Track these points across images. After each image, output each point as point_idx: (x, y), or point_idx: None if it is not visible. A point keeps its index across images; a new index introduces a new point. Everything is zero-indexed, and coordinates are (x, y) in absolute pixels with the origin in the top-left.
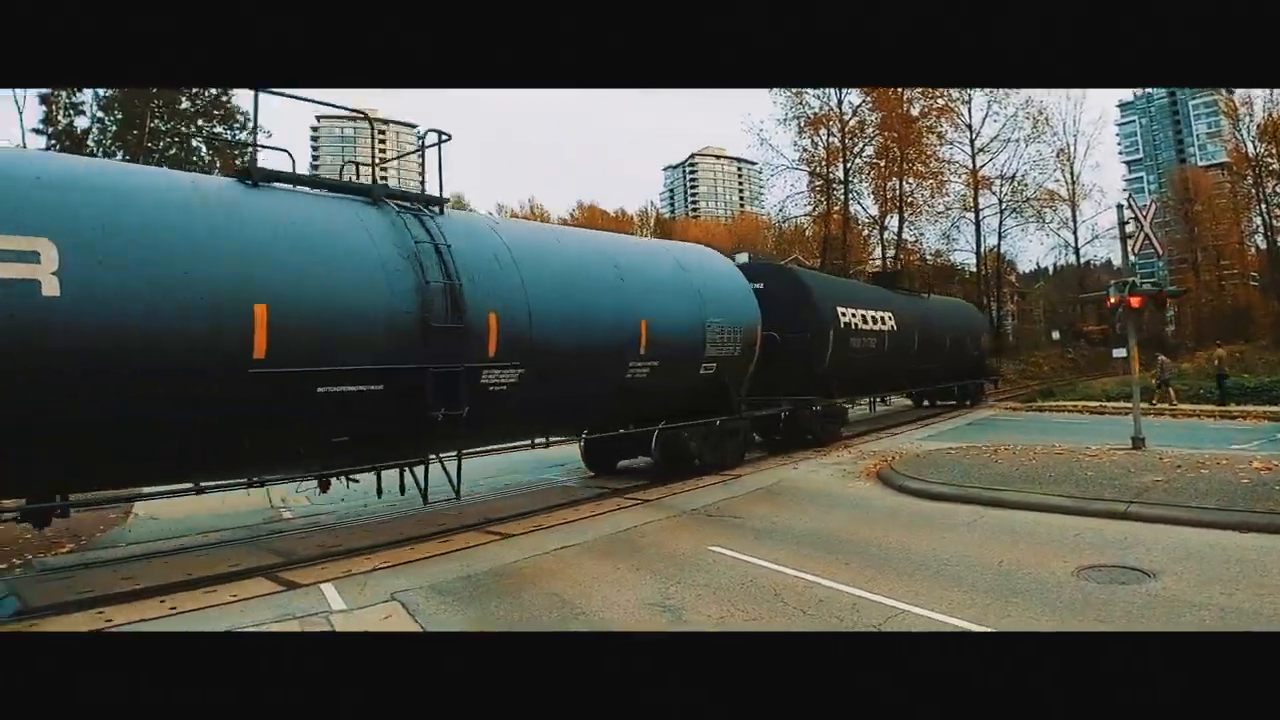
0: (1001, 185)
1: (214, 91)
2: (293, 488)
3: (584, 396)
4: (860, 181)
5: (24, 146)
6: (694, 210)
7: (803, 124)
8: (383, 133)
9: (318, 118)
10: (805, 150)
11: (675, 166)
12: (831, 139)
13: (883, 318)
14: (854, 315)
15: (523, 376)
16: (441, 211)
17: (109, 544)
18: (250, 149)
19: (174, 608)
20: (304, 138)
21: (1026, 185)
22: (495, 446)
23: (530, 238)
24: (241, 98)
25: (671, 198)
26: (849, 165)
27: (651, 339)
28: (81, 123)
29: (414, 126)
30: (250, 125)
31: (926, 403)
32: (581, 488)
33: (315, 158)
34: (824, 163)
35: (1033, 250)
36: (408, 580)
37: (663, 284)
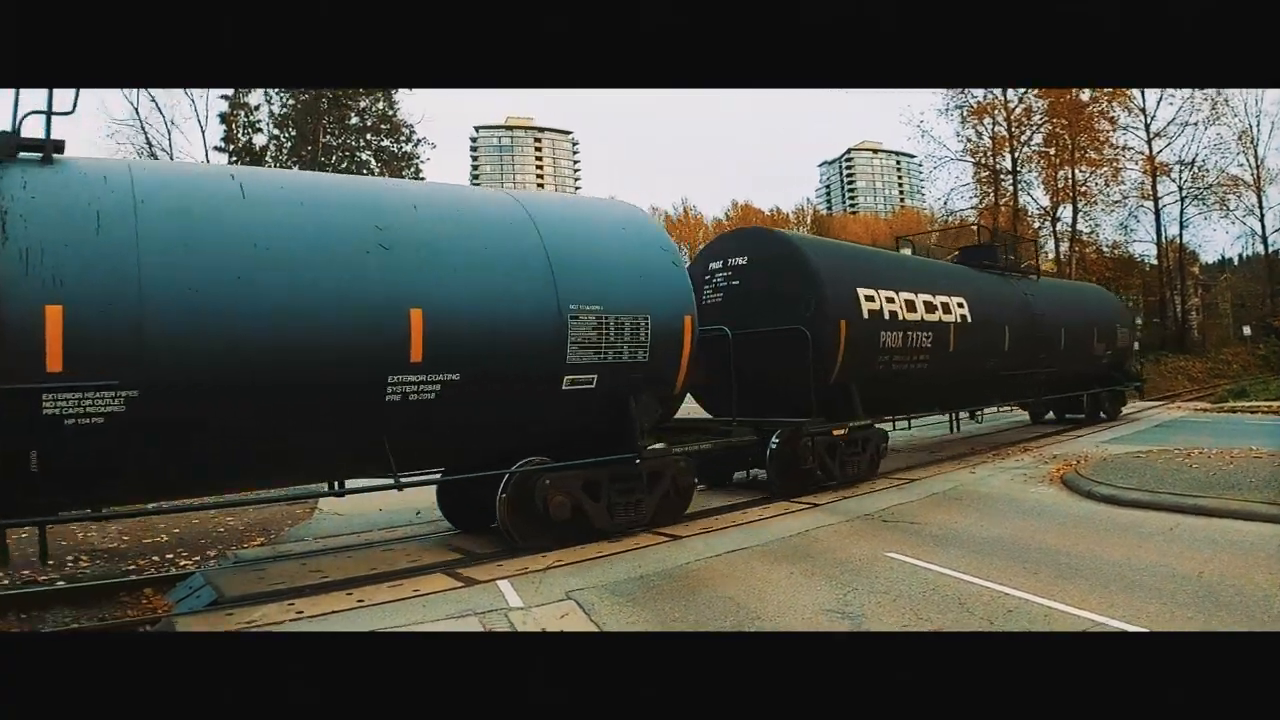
0: (1180, 171)
1: (381, 106)
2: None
3: (290, 430)
4: (1029, 171)
5: (207, 163)
6: (852, 206)
7: (965, 113)
8: (539, 140)
9: (476, 128)
10: (969, 140)
11: (831, 162)
12: (997, 128)
13: (946, 304)
14: (887, 301)
15: (131, 403)
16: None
17: (296, 538)
18: (416, 160)
19: (361, 600)
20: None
21: (1207, 171)
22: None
23: (187, 183)
24: (405, 113)
25: (828, 194)
26: (1016, 154)
27: (435, 338)
28: (259, 140)
29: (569, 133)
30: (415, 138)
31: (1051, 415)
32: (748, 491)
33: (475, 167)
34: (989, 153)
35: (1218, 240)
36: (581, 580)
37: (471, 250)
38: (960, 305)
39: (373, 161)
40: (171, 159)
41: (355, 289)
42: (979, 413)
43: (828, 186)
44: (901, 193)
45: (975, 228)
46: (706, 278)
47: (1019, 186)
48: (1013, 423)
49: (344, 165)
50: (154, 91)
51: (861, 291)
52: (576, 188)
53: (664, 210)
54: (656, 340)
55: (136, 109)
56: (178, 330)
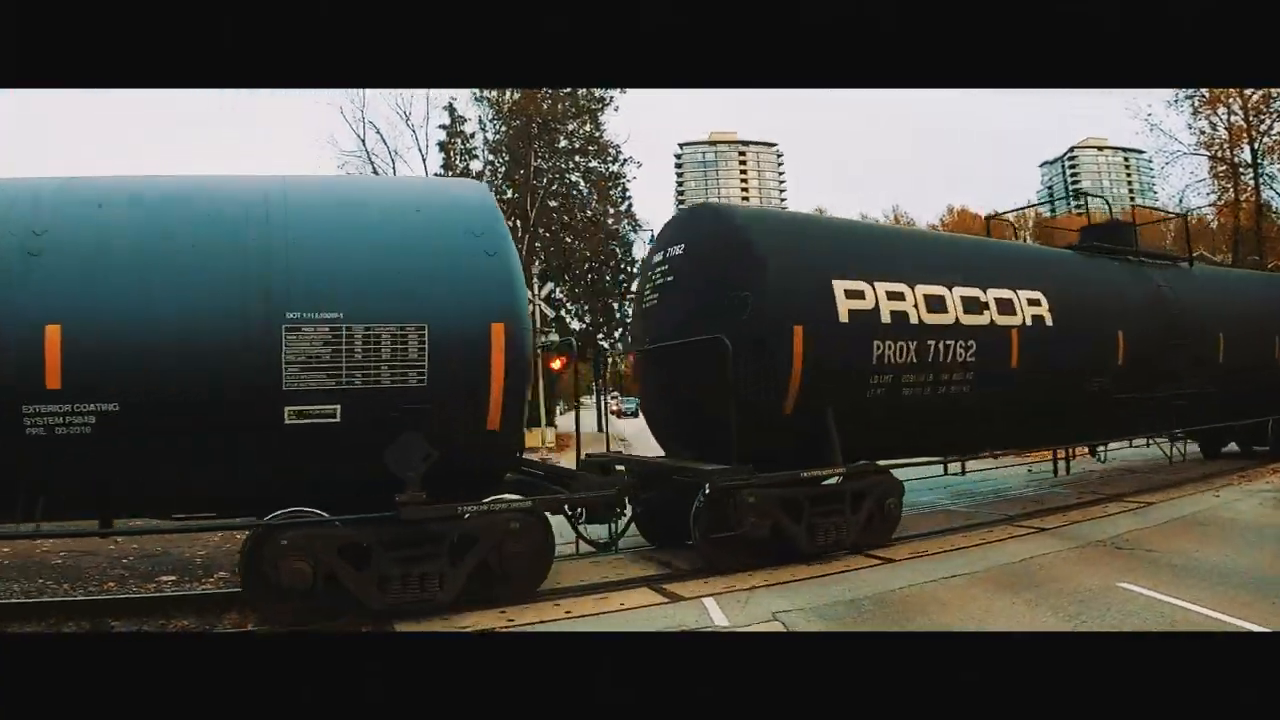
0: None
1: (588, 128)
2: None
3: None
4: (1272, 163)
5: None
6: (1078, 207)
7: (1197, 104)
8: (743, 154)
9: (680, 144)
10: (1202, 133)
11: (1052, 162)
12: (1233, 117)
13: (1007, 301)
14: (888, 297)
15: None
16: None
17: None
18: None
19: (568, 611)
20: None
21: None
22: None
23: None
24: (611, 133)
25: (1051, 196)
26: (1256, 145)
27: (78, 360)
28: (475, 165)
29: (773, 145)
30: (621, 158)
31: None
32: (966, 511)
33: (680, 183)
34: (1226, 145)
35: None
36: (788, 601)
37: (156, 252)
38: (1035, 303)
39: (581, 183)
40: None
41: None
42: (1102, 449)
43: (1049, 187)
44: (1131, 190)
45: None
46: (650, 275)
47: (1261, 179)
48: (1151, 460)
49: (554, 187)
50: (378, 123)
51: (840, 285)
52: (783, 199)
53: (874, 219)
54: (440, 358)
55: (363, 140)
56: None
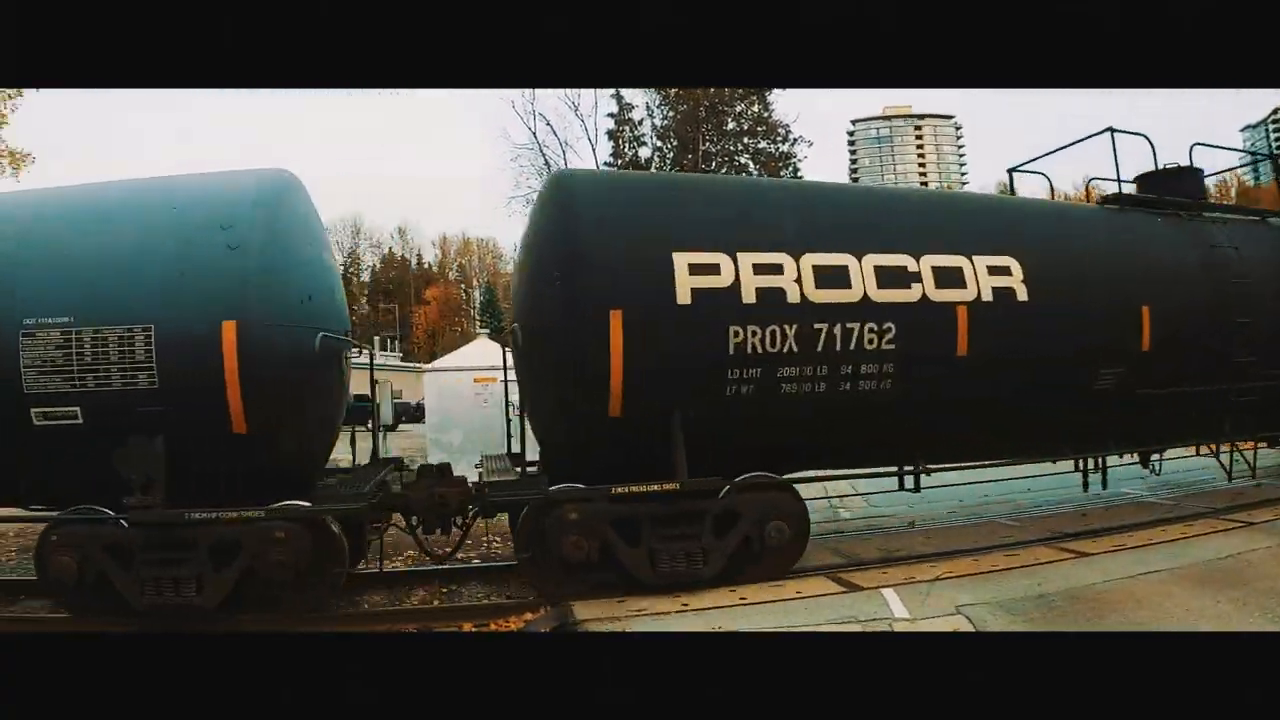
0: None
1: (756, 109)
2: (847, 485)
3: None
4: None
5: None
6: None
7: None
8: (919, 128)
9: (853, 121)
10: None
11: (1255, 126)
12: None
13: (949, 270)
14: (756, 271)
15: None
16: None
17: None
18: (794, 160)
19: (743, 598)
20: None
21: None
22: None
23: None
24: (780, 114)
25: (1254, 162)
26: None
27: None
28: (644, 152)
29: (950, 118)
30: (791, 138)
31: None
32: (1166, 504)
33: (854, 161)
34: None
35: None
36: (972, 594)
37: None
38: (1001, 271)
39: (751, 165)
40: None
41: None
42: (1155, 459)
43: (1251, 152)
44: None
45: None
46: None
47: None
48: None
49: (723, 170)
50: (548, 115)
51: (684, 258)
52: (963, 176)
53: (1064, 192)
54: (169, 359)
55: (534, 133)
56: None
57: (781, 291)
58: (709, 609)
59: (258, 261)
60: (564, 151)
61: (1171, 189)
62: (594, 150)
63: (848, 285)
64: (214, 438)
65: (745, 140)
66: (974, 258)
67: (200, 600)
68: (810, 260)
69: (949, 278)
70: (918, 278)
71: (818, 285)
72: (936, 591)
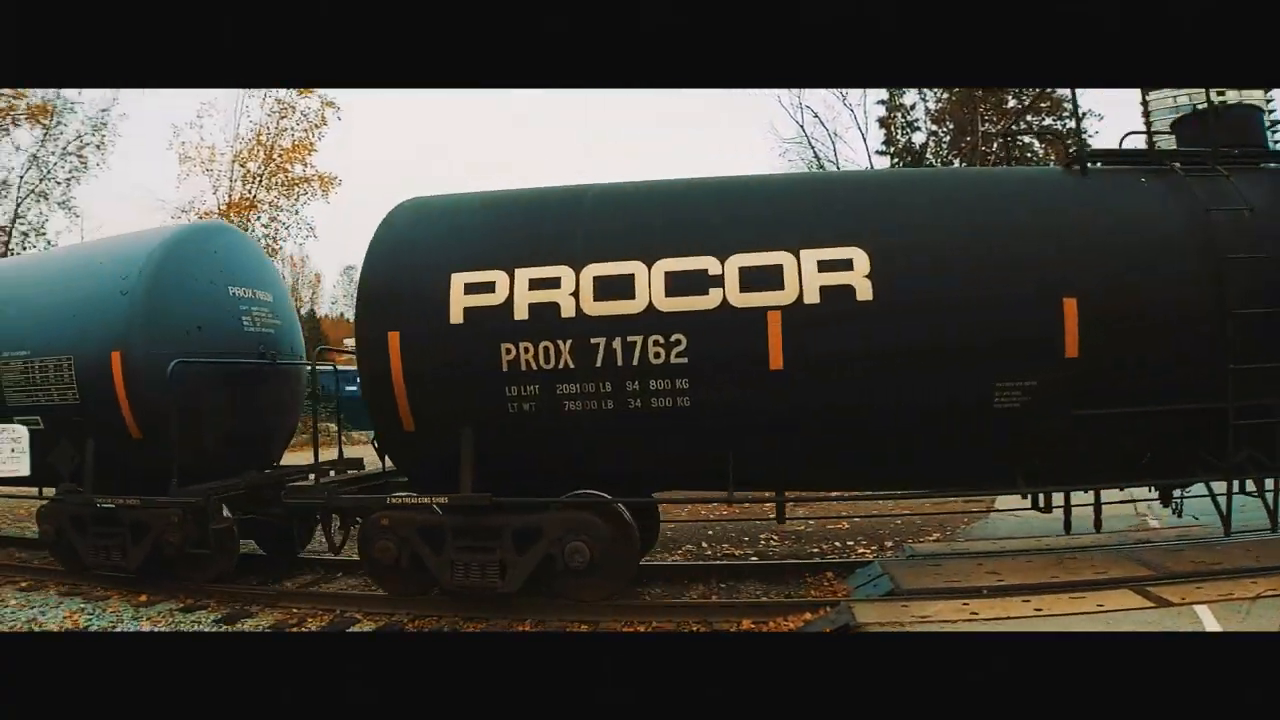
0: None
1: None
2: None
3: None
4: None
5: (870, 167)
6: None
7: None
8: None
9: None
10: None
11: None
12: None
13: (761, 270)
14: (531, 286)
15: None
16: None
17: (973, 536)
18: (1084, 134)
19: (1039, 609)
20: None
21: None
22: None
23: None
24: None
25: None
26: None
27: None
28: (918, 138)
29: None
30: (1080, 112)
31: None
32: None
33: (1149, 129)
34: None
35: None
36: None
37: None
38: (837, 266)
39: (1035, 144)
40: (838, 169)
41: None
42: (1177, 499)
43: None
44: None
45: None
46: None
47: None
48: None
49: (1004, 153)
50: (815, 107)
51: (460, 278)
52: None
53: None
54: (85, 380)
55: (801, 125)
56: None
57: (556, 306)
58: (999, 618)
59: (136, 301)
60: (833, 143)
61: (1201, 137)
62: (864, 139)
63: (631, 295)
64: (121, 441)
65: (1029, 118)
66: (801, 252)
67: (501, 585)
68: (592, 271)
69: (759, 278)
70: (718, 281)
71: (596, 298)
72: (1258, 610)
